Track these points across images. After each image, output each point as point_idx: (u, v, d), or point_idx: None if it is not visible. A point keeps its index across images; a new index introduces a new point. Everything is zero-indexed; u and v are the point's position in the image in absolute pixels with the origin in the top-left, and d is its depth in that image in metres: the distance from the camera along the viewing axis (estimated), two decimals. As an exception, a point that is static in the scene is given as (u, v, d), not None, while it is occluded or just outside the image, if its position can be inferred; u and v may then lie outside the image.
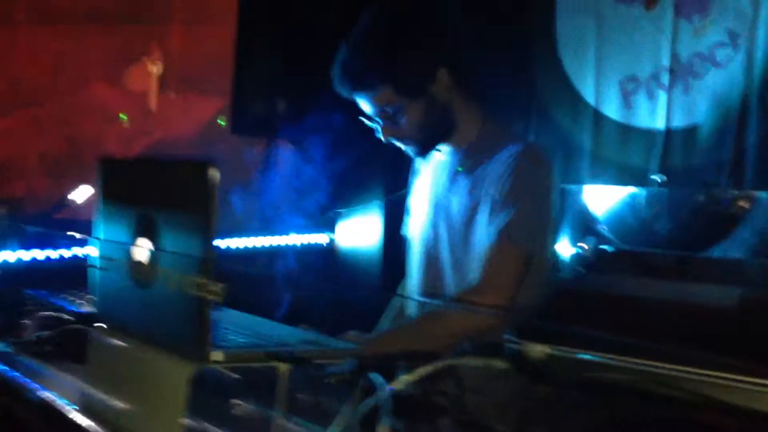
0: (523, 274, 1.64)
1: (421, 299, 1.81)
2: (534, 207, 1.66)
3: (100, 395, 1.32)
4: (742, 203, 2.43)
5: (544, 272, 1.69)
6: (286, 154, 3.38)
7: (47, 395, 1.37)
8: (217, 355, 1.17)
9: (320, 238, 3.27)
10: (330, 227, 3.31)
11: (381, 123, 1.74)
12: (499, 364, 0.90)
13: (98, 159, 1.41)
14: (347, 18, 2.90)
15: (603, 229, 2.68)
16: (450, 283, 1.77)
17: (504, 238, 1.63)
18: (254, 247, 3.08)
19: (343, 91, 1.74)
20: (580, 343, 0.88)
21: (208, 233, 1.14)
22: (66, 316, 1.68)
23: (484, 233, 1.68)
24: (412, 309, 1.89)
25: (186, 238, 1.19)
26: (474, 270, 1.69)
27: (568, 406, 0.86)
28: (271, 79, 3.04)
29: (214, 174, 1.13)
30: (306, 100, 3.03)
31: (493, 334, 1.59)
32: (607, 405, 0.84)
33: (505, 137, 1.77)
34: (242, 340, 1.30)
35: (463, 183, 1.76)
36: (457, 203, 1.75)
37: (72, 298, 1.85)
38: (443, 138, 1.79)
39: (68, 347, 1.54)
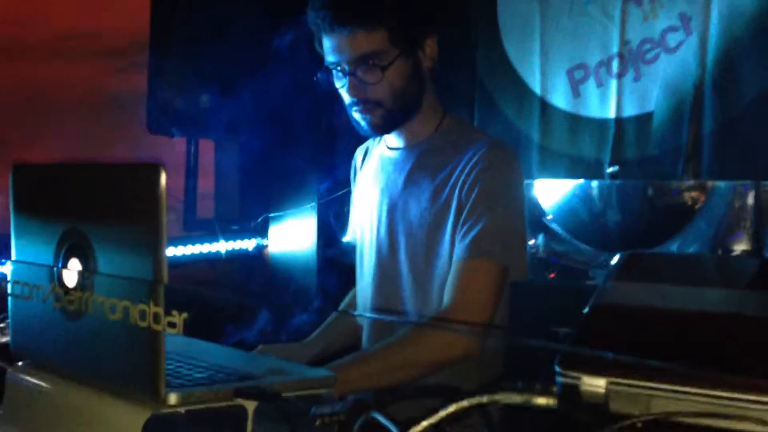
0: (501, 290, 1.46)
1: (382, 317, 1.60)
2: (507, 213, 1.48)
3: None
4: (696, 194, 2.37)
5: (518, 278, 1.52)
6: (210, 153, 3.15)
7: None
8: (174, 398, 0.97)
9: (248, 244, 3.05)
10: (261, 232, 3.09)
11: (351, 76, 1.49)
12: (541, 400, 0.74)
13: (12, 165, 1.17)
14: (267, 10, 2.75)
15: (553, 224, 2.58)
16: (409, 297, 1.57)
17: (477, 251, 1.44)
18: (176, 256, 2.83)
19: (327, 18, 1.46)
20: (647, 375, 0.73)
21: (157, 249, 0.94)
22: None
23: (449, 244, 1.50)
24: (367, 324, 1.69)
25: (128, 257, 0.98)
26: (438, 284, 1.51)
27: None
28: (191, 72, 2.80)
29: (163, 178, 0.93)
30: (230, 95, 2.82)
31: (471, 359, 1.44)
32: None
33: (467, 134, 1.59)
34: (200, 375, 1.09)
35: (424, 185, 1.55)
36: (416, 207, 1.55)
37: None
38: (407, 117, 1.56)
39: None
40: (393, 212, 1.59)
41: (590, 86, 2.39)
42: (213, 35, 2.75)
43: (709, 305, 0.81)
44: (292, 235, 3.04)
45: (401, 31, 1.47)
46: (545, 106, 2.46)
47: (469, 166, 1.49)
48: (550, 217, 2.58)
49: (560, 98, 2.44)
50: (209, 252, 2.91)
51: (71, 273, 1.04)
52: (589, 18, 2.38)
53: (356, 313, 1.74)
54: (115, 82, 3.38)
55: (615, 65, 2.35)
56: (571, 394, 0.74)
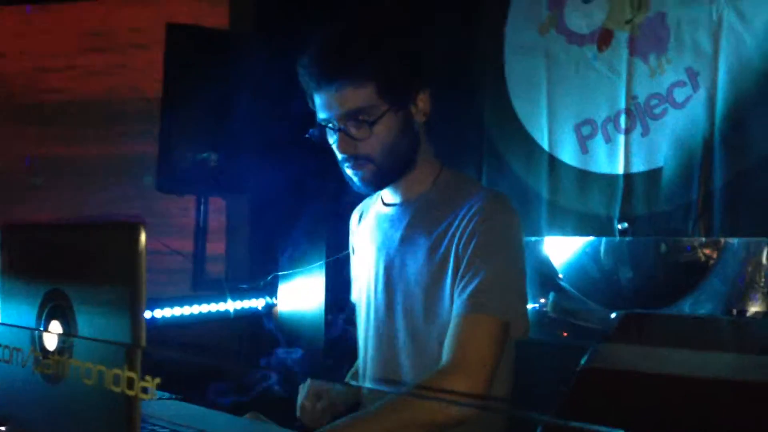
0: (502, 346, 1.41)
1: (383, 388, 1.55)
2: (506, 267, 1.44)
3: None
4: (708, 251, 2.31)
5: (519, 335, 1.47)
6: (220, 212, 3.15)
7: None
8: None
9: (257, 304, 3.02)
10: (271, 292, 3.06)
11: (342, 131, 1.47)
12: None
13: (1, 225, 1.15)
14: (275, 68, 2.78)
15: (564, 282, 2.52)
16: (406, 358, 1.52)
17: (476, 306, 1.40)
18: (185, 316, 2.80)
19: (314, 75, 1.46)
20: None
21: (135, 312, 0.91)
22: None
23: (449, 301, 1.45)
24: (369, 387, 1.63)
25: (107, 319, 0.95)
26: (437, 344, 1.45)
27: None
28: (201, 134, 2.82)
29: (143, 237, 0.90)
30: (239, 155, 2.84)
31: (472, 420, 1.37)
32: None
33: (464, 187, 1.55)
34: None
35: (421, 241, 1.51)
36: (413, 264, 1.51)
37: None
38: (400, 174, 1.53)
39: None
40: (390, 270, 1.55)
41: (598, 142, 2.37)
42: (223, 96, 2.78)
43: (703, 369, 0.77)
44: (300, 294, 3.01)
45: (390, 85, 1.45)
46: (553, 162, 2.44)
47: (465, 220, 1.46)
48: (561, 276, 2.53)
49: (568, 154, 2.41)
50: (217, 311, 2.88)
51: (51, 336, 1.02)
52: (596, 73, 2.37)
53: (355, 383, 1.70)
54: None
55: (622, 121, 2.33)
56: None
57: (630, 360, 0.82)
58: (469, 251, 1.43)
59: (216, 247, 3.13)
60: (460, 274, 1.44)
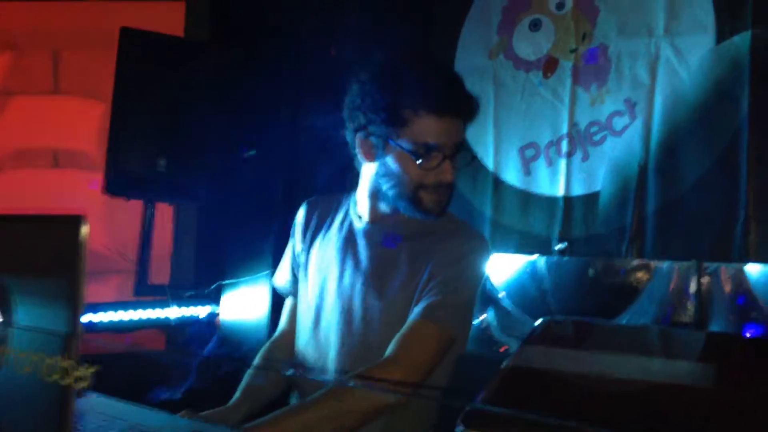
0: (442, 356, 1.51)
1: (321, 377, 1.61)
2: (469, 296, 1.57)
3: None
4: (640, 273, 2.40)
5: (459, 353, 1.58)
6: (166, 217, 3.14)
7: None
8: (82, 458, 0.94)
9: (201, 311, 3.02)
10: (215, 300, 3.06)
11: (450, 159, 1.56)
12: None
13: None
14: (226, 76, 2.81)
15: (504, 299, 2.59)
16: (347, 357, 1.60)
17: (431, 315, 1.50)
18: (126, 321, 2.78)
19: (441, 103, 1.53)
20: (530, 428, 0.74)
21: (74, 303, 0.93)
22: None
23: (406, 313, 1.55)
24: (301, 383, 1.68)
25: (46, 310, 0.97)
26: (377, 353, 1.53)
27: None
28: (150, 139, 2.82)
29: (85, 230, 0.93)
30: (187, 160, 2.85)
31: (403, 408, 1.48)
32: None
33: (449, 220, 1.66)
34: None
35: (399, 262, 1.59)
36: (388, 283, 1.59)
37: None
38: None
39: None
40: (359, 284, 1.61)
41: (540, 165, 2.46)
42: (174, 103, 2.79)
43: (614, 371, 0.82)
44: (244, 304, 3.02)
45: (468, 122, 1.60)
46: (498, 183, 2.51)
47: (454, 253, 1.56)
48: (502, 294, 2.60)
49: (512, 175, 2.49)
50: (157, 318, 2.87)
51: (-12, 326, 1.03)
52: (541, 99, 2.46)
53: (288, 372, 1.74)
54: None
55: (564, 145, 2.42)
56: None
57: (547, 361, 0.88)
58: (445, 276, 1.54)
59: (161, 253, 3.12)
60: (427, 289, 1.53)
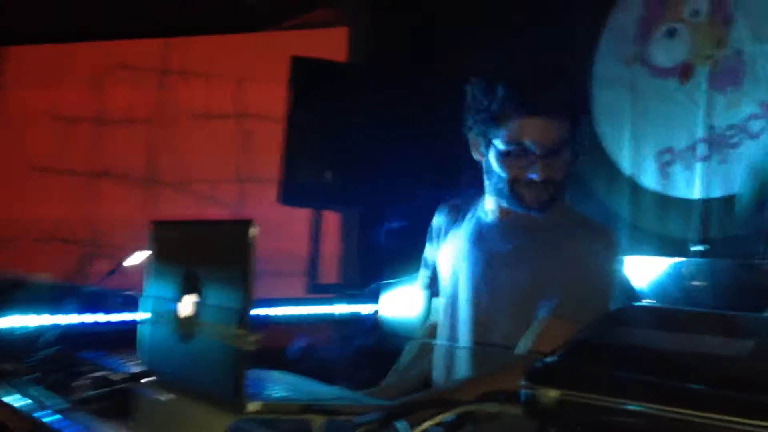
0: None
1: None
2: (603, 300, 1.60)
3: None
4: (782, 273, 2.41)
5: None
6: (334, 224, 3.48)
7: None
8: (252, 406, 1.22)
9: (365, 308, 3.31)
10: (374, 298, 3.36)
11: (541, 158, 1.63)
12: (512, 409, 0.94)
13: (151, 221, 1.51)
14: (384, 95, 3.09)
15: (647, 302, 2.67)
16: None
17: (562, 312, 1.56)
18: (298, 315, 3.15)
19: (529, 104, 1.62)
20: (597, 389, 0.90)
21: (246, 287, 1.22)
22: (116, 376, 1.75)
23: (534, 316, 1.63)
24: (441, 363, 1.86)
25: (226, 292, 1.27)
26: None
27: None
28: (317, 151, 3.17)
29: (253, 231, 1.22)
30: (352, 176, 3.16)
31: None
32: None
33: (574, 216, 1.73)
34: (278, 395, 1.35)
35: (533, 257, 1.68)
36: (523, 279, 1.68)
37: (122, 360, 1.93)
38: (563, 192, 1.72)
39: (117, 404, 1.61)
40: (494, 276, 1.73)
41: (678, 168, 2.53)
42: (337, 120, 3.12)
43: (692, 348, 0.95)
44: (399, 302, 3.28)
45: (579, 117, 1.67)
46: (635, 187, 2.62)
47: (570, 250, 1.63)
48: (643, 295, 2.68)
49: (649, 179, 2.59)
50: (326, 314, 3.20)
51: (186, 305, 1.35)
52: (678, 105, 2.54)
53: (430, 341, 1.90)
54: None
55: (701, 149, 2.48)
56: (533, 404, 0.93)
57: (619, 335, 1.03)
58: (578, 281, 1.60)
59: (330, 254, 3.48)
60: (551, 284, 1.62)
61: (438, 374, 1.86)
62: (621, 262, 1.67)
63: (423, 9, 3.40)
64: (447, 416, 0.99)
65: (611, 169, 2.66)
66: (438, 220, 1.97)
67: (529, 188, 1.67)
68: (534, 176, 1.64)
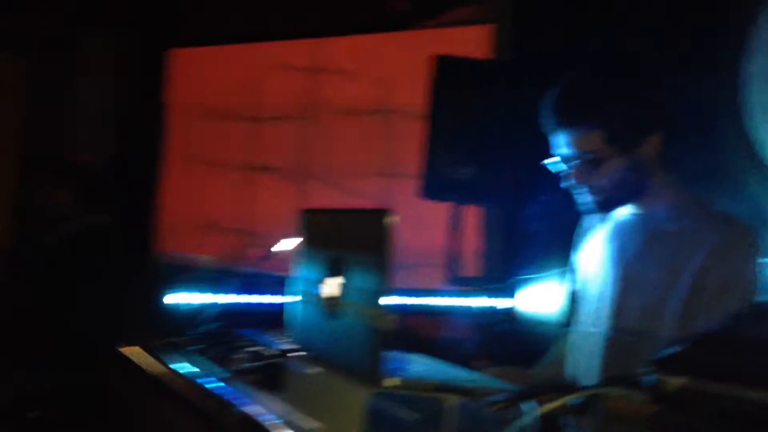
0: None
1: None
2: (735, 300, 1.57)
3: (295, 414, 1.51)
4: None
5: None
6: (474, 218, 3.54)
7: (254, 410, 1.58)
8: (389, 382, 1.32)
9: (503, 303, 3.35)
10: (512, 293, 3.39)
11: (575, 165, 1.70)
12: (637, 394, 0.98)
13: (302, 210, 1.65)
14: (526, 91, 3.09)
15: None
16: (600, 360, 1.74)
17: (691, 317, 1.58)
18: (438, 306, 3.24)
19: (551, 118, 1.70)
20: (721, 378, 0.92)
21: (382, 269, 1.32)
22: (269, 352, 1.91)
23: (668, 320, 1.63)
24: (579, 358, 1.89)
25: (367, 275, 1.37)
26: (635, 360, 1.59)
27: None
28: (458, 147, 3.23)
29: (390, 220, 1.31)
30: (491, 171, 3.20)
31: None
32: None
33: (705, 211, 1.71)
34: (414, 374, 1.44)
35: (665, 252, 1.68)
36: (654, 274, 1.69)
37: (274, 337, 2.09)
38: (631, 200, 1.75)
39: (271, 376, 1.76)
40: (630, 275, 1.75)
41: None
42: (478, 116, 3.17)
43: None
44: (538, 298, 3.29)
45: (616, 135, 1.65)
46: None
47: (705, 248, 1.61)
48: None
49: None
50: (463, 306, 3.28)
51: (332, 286, 1.47)
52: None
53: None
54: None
55: None
56: (657, 390, 0.97)
57: (746, 331, 1.04)
58: (708, 279, 1.59)
59: (469, 248, 3.54)
60: (682, 282, 1.62)
61: (572, 366, 1.89)
62: (756, 259, 1.62)
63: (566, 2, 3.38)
64: (573, 399, 1.04)
65: (763, 168, 2.54)
66: (584, 221, 2.01)
67: (575, 194, 1.76)
68: (571, 182, 1.73)
